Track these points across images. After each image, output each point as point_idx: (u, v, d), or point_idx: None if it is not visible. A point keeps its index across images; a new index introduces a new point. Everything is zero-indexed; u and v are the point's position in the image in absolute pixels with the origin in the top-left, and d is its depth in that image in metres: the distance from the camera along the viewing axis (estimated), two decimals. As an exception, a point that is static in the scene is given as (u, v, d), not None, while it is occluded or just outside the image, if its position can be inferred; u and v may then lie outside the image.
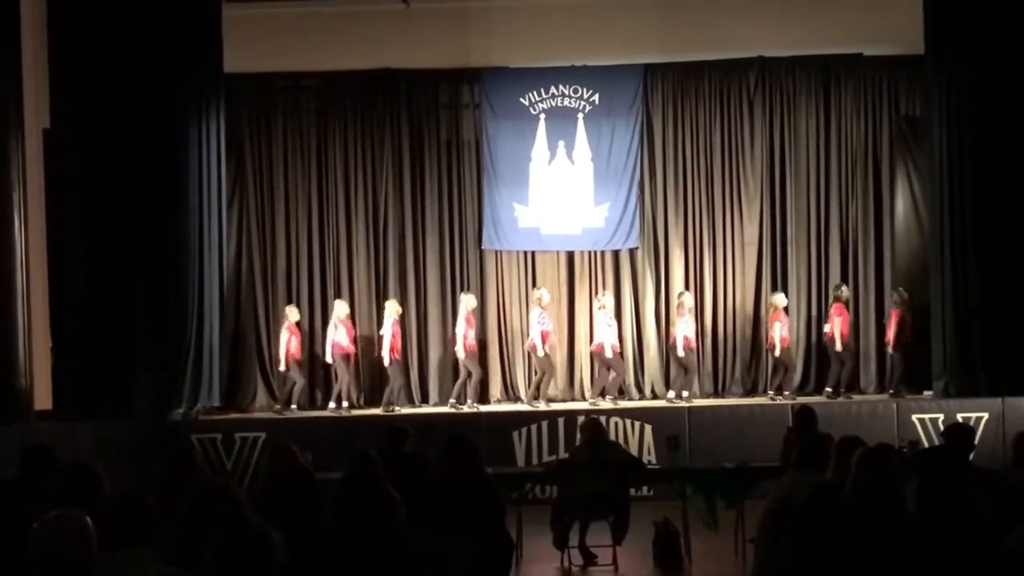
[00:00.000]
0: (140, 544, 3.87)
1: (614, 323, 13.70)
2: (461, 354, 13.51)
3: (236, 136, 14.19)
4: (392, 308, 13.63)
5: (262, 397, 14.26)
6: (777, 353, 13.52)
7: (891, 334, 13.41)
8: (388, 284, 14.45)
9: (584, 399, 14.13)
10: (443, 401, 14.04)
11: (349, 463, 5.46)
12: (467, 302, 13.60)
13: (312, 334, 14.16)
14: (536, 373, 13.78)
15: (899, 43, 13.82)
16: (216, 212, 13.10)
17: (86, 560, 3.62)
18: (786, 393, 13.46)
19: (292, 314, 13.73)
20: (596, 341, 13.59)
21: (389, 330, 13.47)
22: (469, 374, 13.56)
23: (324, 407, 13.72)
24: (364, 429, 11.50)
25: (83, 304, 12.66)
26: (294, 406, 13.44)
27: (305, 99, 14.65)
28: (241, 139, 14.38)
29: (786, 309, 13.73)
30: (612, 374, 13.60)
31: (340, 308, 13.63)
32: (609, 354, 13.43)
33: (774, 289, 14.10)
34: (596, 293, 14.12)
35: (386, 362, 13.47)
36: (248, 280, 14.48)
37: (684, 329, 13.54)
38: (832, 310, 13.59)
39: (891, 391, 13.34)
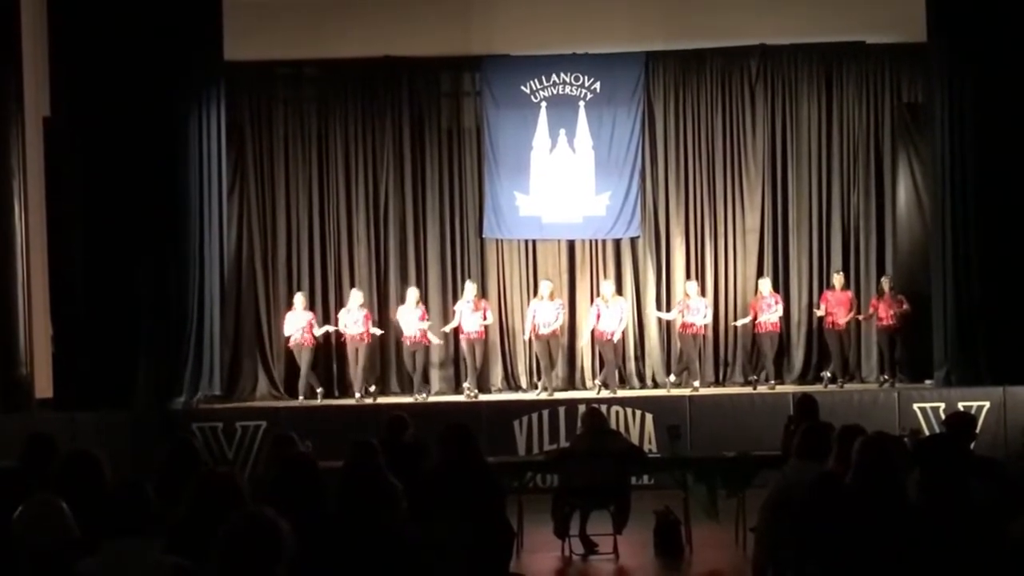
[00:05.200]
0: (140, 533, 3.86)
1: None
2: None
3: (237, 124, 14.17)
4: (413, 295, 13.58)
5: (263, 386, 14.27)
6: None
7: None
8: (389, 272, 14.45)
9: (585, 387, 14.15)
10: (444, 389, 14.08)
11: (350, 452, 5.46)
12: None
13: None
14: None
15: (901, 31, 13.79)
16: (217, 200, 13.09)
17: (66, 546, 3.61)
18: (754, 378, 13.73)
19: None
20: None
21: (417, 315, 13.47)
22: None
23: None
24: (364, 418, 11.50)
25: (84, 293, 12.66)
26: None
27: (306, 87, 14.63)
28: (242, 127, 14.36)
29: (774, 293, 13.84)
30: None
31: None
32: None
33: (775, 277, 14.11)
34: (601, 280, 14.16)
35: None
36: (249, 268, 14.48)
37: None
38: (830, 295, 13.63)
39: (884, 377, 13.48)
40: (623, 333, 13.74)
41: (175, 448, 5.73)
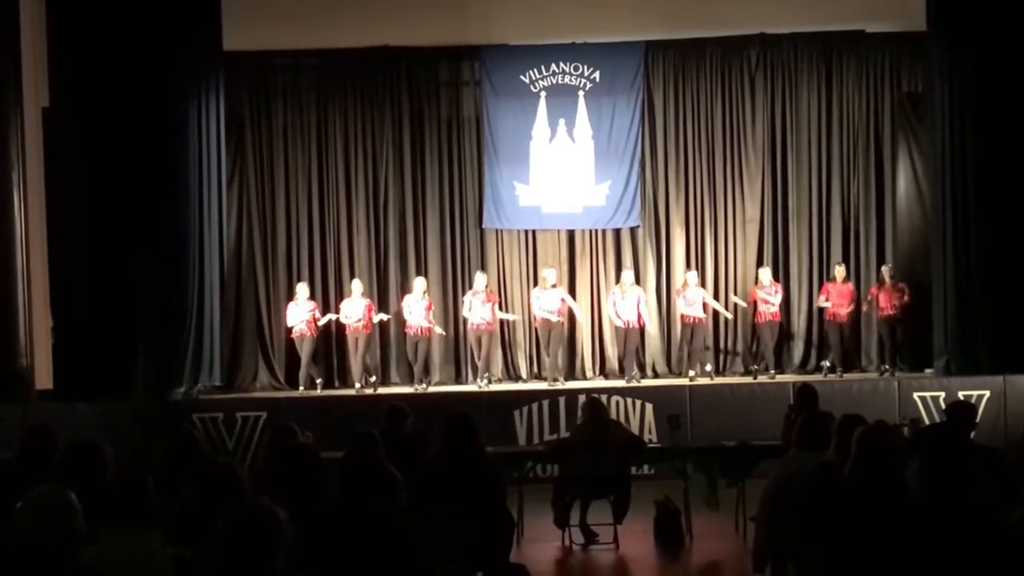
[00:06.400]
0: (141, 524, 3.87)
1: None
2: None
3: (236, 114, 14.15)
4: (421, 286, 13.56)
5: (263, 376, 14.28)
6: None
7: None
8: (389, 263, 14.45)
9: (585, 378, 14.15)
10: (444, 380, 14.08)
11: (350, 443, 5.47)
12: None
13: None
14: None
15: (901, 19, 13.76)
16: (216, 191, 13.08)
17: (71, 539, 3.61)
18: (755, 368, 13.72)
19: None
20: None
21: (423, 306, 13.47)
22: None
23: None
24: (364, 408, 11.51)
25: (83, 283, 12.66)
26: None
27: (305, 77, 14.61)
28: (241, 117, 14.34)
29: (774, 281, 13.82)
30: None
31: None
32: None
33: (775, 267, 14.10)
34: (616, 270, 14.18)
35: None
36: (248, 259, 14.47)
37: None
38: (832, 287, 13.61)
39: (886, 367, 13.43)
40: (639, 321, 13.59)
41: (176, 439, 5.73)
